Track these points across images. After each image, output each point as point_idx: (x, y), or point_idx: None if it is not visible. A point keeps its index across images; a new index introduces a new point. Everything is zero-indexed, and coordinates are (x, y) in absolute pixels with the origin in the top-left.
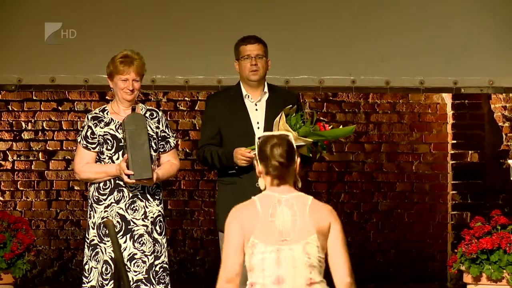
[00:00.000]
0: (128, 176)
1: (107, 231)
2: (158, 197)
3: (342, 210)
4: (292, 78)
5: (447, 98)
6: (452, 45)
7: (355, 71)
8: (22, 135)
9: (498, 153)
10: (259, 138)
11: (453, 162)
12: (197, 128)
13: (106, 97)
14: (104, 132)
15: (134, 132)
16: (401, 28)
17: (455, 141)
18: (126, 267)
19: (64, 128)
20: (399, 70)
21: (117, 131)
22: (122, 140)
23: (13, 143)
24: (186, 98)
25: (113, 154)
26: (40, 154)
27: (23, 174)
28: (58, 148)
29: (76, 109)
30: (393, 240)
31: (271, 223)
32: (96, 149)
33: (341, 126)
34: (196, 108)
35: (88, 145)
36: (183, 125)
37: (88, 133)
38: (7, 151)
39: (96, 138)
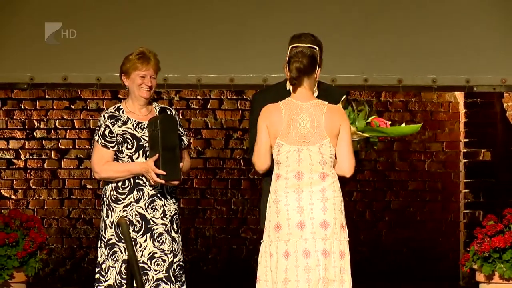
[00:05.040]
0: (158, 175)
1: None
2: (174, 196)
3: (354, 208)
4: None
5: (460, 96)
6: (465, 44)
7: (368, 70)
8: (35, 133)
9: (511, 152)
10: (292, 47)
11: (465, 160)
12: (210, 126)
13: (119, 96)
14: (123, 131)
15: (167, 133)
16: (413, 26)
17: (467, 140)
18: (147, 266)
19: (77, 127)
20: (411, 68)
21: (136, 130)
22: (147, 138)
23: (26, 141)
24: (199, 97)
25: (133, 153)
26: (52, 152)
27: (36, 173)
28: (71, 147)
29: (88, 107)
30: (405, 239)
31: (293, 127)
32: (115, 148)
33: (403, 124)
34: (208, 107)
35: (107, 143)
36: (195, 124)
37: (106, 132)
38: (19, 150)
39: (114, 137)
